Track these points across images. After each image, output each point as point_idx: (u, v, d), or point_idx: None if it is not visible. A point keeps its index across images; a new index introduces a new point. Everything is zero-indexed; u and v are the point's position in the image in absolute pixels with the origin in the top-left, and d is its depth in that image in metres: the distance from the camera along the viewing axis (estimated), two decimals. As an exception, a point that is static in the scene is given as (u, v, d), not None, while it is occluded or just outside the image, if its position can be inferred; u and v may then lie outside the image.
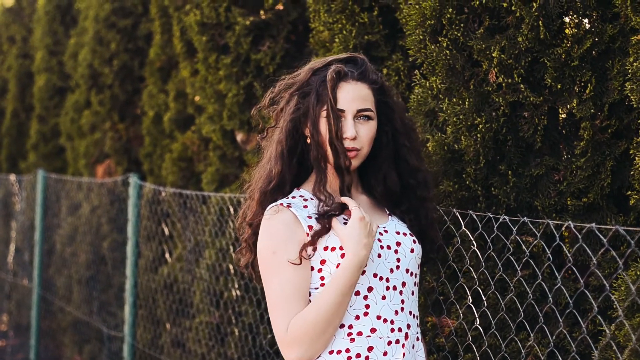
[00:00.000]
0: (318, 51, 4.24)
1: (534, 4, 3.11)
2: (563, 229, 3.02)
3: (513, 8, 3.17)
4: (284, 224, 2.89)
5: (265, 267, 2.90)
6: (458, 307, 3.23)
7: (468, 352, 3.26)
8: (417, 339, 2.97)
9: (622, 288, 2.74)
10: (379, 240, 2.90)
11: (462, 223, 3.14)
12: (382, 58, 3.88)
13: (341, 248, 2.83)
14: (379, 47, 3.90)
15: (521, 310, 2.98)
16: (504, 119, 3.21)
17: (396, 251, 2.92)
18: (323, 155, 2.93)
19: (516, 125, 3.23)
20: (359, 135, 2.92)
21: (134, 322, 5.55)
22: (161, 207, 5.62)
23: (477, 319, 3.15)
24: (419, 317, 3.02)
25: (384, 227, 2.96)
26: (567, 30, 3.20)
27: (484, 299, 3.12)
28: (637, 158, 2.89)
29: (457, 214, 3.16)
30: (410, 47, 3.46)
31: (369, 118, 2.96)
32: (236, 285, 4.81)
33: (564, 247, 2.78)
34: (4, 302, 10.14)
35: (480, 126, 3.20)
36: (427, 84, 3.42)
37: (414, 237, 2.99)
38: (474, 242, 3.14)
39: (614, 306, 2.85)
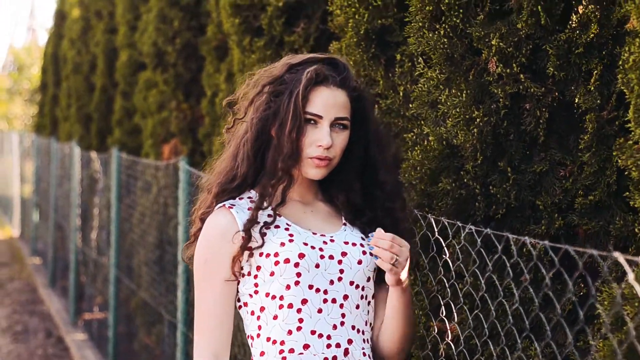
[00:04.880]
0: (338, 35, 4.08)
1: (534, -12, 2.89)
2: (538, 247, 2.80)
3: (514, -9, 2.95)
4: (220, 229, 2.79)
5: (196, 274, 2.83)
6: (453, 310, 3.04)
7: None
8: (365, 354, 2.81)
9: (606, 303, 2.51)
10: (320, 249, 2.76)
11: (450, 233, 2.94)
12: (396, 43, 3.68)
13: (276, 255, 2.72)
14: (393, 32, 3.70)
15: (510, 314, 2.78)
16: (504, 112, 3.00)
17: (340, 261, 2.78)
18: (284, 156, 2.80)
19: (518, 118, 3.02)
20: (334, 144, 2.78)
21: (186, 309, 5.48)
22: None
23: (471, 322, 2.95)
24: (369, 332, 2.86)
25: (331, 237, 2.82)
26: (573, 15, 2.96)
27: (477, 302, 2.93)
28: (619, 161, 2.65)
29: (432, 220, 2.97)
30: (409, 35, 3.27)
31: (344, 127, 2.83)
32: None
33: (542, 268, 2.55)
34: (90, 278, 10.30)
35: (478, 120, 3.00)
36: (429, 74, 3.23)
37: (369, 249, 2.81)
38: (445, 252, 2.95)
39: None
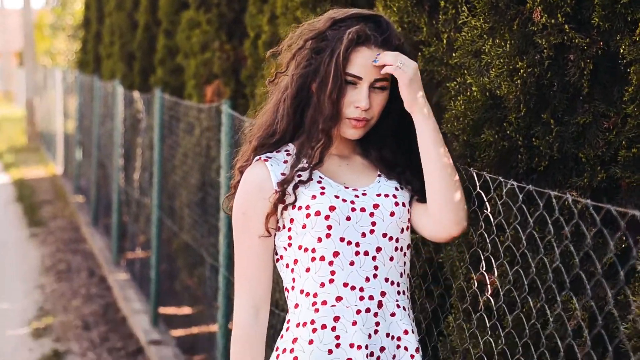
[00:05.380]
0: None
1: None
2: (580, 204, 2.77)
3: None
4: (256, 181, 2.83)
5: (234, 226, 2.87)
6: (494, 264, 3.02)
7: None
8: (399, 306, 2.81)
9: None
10: (352, 202, 2.76)
11: (492, 188, 2.91)
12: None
13: (307, 207, 2.73)
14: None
15: (549, 270, 2.77)
16: (548, 63, 2.96)
17: (372, 214, 2.78)
18: (325, 117, 2.79)
19: (562, 69, 2.98)
20: (372, 105, 2.79)
21: (228, 253, 5.51)
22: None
23: (511, 277, 2.94)
24: (406, 283, 2.85)
25: (363, 190, 2.82)
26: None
27: (518, 257, 2.92)
28: None
29: (474, 174, 2.95)
30: (452, -18, 3.23)
31: (384, 88, 2.83)
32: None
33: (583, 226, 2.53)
34: (132, 218, 10.38)
35: (522, 71, 2.96)
36: (473, 22, 3.19)
37: (402, 200, 2.81)
38: (487, 207, 2.93)
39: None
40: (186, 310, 8.48)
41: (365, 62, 2.80)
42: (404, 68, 2.79)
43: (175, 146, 8.13)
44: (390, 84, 2.86)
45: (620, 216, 2.18)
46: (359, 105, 2.78)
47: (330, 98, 2.76)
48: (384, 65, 2.81)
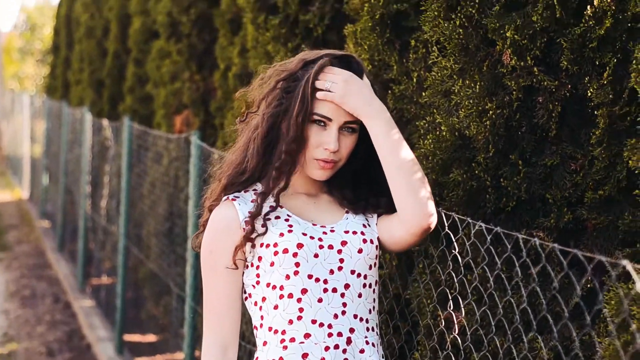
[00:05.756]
0: (353, 18, 4.07)
1: (549, -20, 2.88)
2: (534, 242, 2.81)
3: (530, -17, 2.94)
4: (224, 221, 2.84)
5: (203, 264, 2.88)
6: (461, 302, 3.05)
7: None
8: (368, 343, 2.82)
9: (612, 302, 2.52)
10: (320, 239, 2.78)
11: (460, 228, 2.93)
12: (411, 28, 3.68)
13: (275, 245, 2.75)
14: (408, 17, 3.70)
15: (517, 311, 2.80)
16: (517, 104, 3.00)
17: (340, 251, 2.80)
18: (289, 140, 2.83)
19: (531, 110, 3.02)
20: (340, 147, 2.80)
21: (195, 283, 5.50)
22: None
23: (478, 318, 2.97)
24: (374, 319, 2.87)
25: (331, 227, 2.84)
26: (588, 9, 2.95)
27: (485, 296, 2.94)
28: (630, 162, 2.65)
29: (442, 214, 2.98)
30: (424, 23, 3.26)
31: (353, 131, 2.85)
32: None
33: (549, 269, 2.56)
34: (98, 245, 10.34)
35: (491, 112, 3.00)
36: (443, 63, 3.22)
37: (370, 237, 2.84)
38: (455, 246, 2.96)
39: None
40: (151, 337, 8.45)
41: (335, 105, 2.82)
42: (332, 88, 2.81)
43: (143, 175, 8.13)
44: (359, 126, 2.88)
45: (586, 260, 2.21)
46: (328, 147, 2.80)
47: (296, 120, 2.78)
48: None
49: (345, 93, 2.81)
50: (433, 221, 2.85)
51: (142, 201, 8.11)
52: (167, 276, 6.95)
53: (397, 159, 2.82)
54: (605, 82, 2.84)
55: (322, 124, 2.82)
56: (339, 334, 2.78)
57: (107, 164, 9.84)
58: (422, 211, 2.81)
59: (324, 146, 2.81)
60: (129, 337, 8.46)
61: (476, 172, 3.06)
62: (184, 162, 6.41)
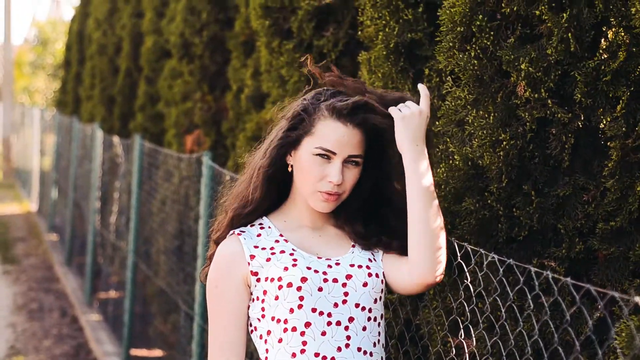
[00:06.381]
0: (367, 45, 4.11)
1: (564, 15, 2.91)
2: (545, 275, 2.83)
3: (544, 17, 2.97)
4: (229, 255, 2.89)
5: (208, 298, 2.92)
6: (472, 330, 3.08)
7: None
8: None
9: (623, 334, 2.55)
10: (324, 273, 2.81)
11: (473, 258, 2.97)
12: (425, 57, 3.72)
13: (279, 279, 2.79)
14: (422, 46, 3.74)
15: (528, 342, 2.82)
16: (530, 135, 3.04)
17: (344, 284, 2.82)
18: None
19: (544, 141, 3.05)
20: (344, 180, 2.84)
21: (203, 302, 5.54)
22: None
23: (489, 347, 2.99)
24: (380, 352, 2.89)
25: (337, 260, 2.87)
26: (602, 42, 2.99)
27: (496, 326, 2.97)
28: None
29: (455, 245, 3.01)
30: (438, 54, 3.30)
31: (357, 164, 2.89)
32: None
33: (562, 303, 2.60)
34: (107, 260, 10.38)
35: (505, 143, 3.03)
36: (457, 93, 3.26)
37: (376, 271, 2.87)
38: (468, 276, 2.99)
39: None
40: (157, 352, 8.47)
41: (340, 138, 2.86)
42: (402, 108, 2.90)
43: (153, 192, 8.17)
44: (363, 160, 2.92)
45: (599, 296, 2.24)
46: (332, 179, 2.84)
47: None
48: (358, 141, 2.89)
49: (406, 117, 2.88)
50: (437, 279, 2.89)
51: (152, 218, 8.15)
52: (175, 294, 6.98)
53: (425, 208, 2.85)
54: (618, 115, 2.88)
55: (327, 157, 2.86)
56: None
57: (117, 180, 9.89)
58: (434, 270, 2.86)
59: (328, 179, 2.84)
60: (136, 352, 8.48)
61: (489, 201, 3.09)
62: (195, 181, 6.45)
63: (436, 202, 2.88)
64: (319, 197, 2.88)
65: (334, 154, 2.85)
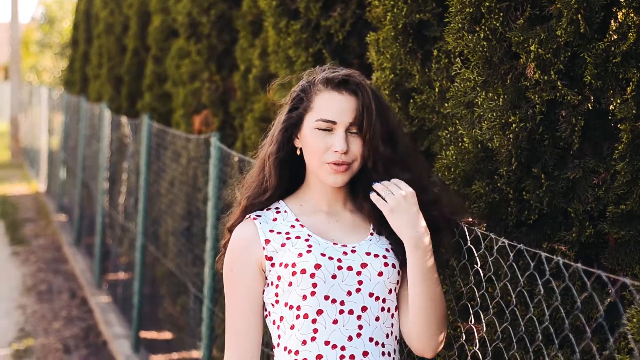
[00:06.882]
0: (375, 25, 4.08)
1: (574, -4, 2.88)
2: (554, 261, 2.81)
3: (554, -2, 2.95)
4: (245, 239, 2.88)
5: (225, 283, 2.91)
6: (482, 316, 3.06)
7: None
8: None
9: (635, 320, 2.53)
10: (339, 260, 2.78)
11: (483, 243, 2.94)
12: (434, 38, 3.68)
13: (293, 265, 2.77)
14: (431, 27, 3.70)
15: (538, 328, 2.81)
16: (540, 118, 3.01)
17: (359, 273, 2.79)
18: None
19: (554, 124, 3.02)
20: (350, 149, 2.81)
21: (213, 285, 5.52)
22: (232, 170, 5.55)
23: (500, 334, 2.98)
24: (392, 345, 2.86)
25: (352, 247, 2.84)
26: (612, 24, 2.96)
27: (506, 311, 2.95)
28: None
29: (465, 228, 2.99)
30: (447, 35, 3.27)
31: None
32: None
33: (573, 287, 2.57)
34: (116, 240, 10.38)
35: (514, 125, 3.01)
36: (466, 75, 3.23)
37: (392, 262, 2.84)
38: (477, 260, 2.97)
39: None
40: (167, 335, 8.48)
41: (338, 107, 2.84)
42: (387, 199, 2.82)
43: (161, 173, 8.15)
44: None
45: (610, 281, 2.22)
46: (336, 149, 2.81)
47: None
48: (356, 107, 2.86)
49: (395, 208, 2.82)
50: (434, 354, 2.91)
51: (160, 199, 8.14)
52: (184, 275, 6.97)
53: (426, 295, 2.83)
54: (628, 97, 2.85)
55: (329, 129, 2.84)
56: (352, 357, 2.77)
57: (126, 160, 9.87)
58: (431, 350, 2.89)
59: (333, 149, 2.82)
60: (145, 334, 8.49)
61: (498, 184, 3.07)
62: (203, 162, 6.43)
63: (439, 288, 2.85)
64: (327, 170, 2.85)
65: (334, 123, 2.83)
